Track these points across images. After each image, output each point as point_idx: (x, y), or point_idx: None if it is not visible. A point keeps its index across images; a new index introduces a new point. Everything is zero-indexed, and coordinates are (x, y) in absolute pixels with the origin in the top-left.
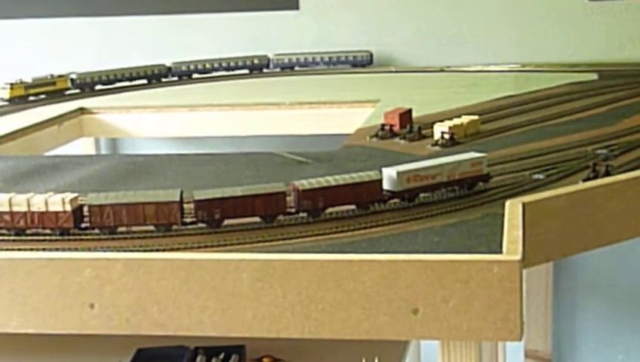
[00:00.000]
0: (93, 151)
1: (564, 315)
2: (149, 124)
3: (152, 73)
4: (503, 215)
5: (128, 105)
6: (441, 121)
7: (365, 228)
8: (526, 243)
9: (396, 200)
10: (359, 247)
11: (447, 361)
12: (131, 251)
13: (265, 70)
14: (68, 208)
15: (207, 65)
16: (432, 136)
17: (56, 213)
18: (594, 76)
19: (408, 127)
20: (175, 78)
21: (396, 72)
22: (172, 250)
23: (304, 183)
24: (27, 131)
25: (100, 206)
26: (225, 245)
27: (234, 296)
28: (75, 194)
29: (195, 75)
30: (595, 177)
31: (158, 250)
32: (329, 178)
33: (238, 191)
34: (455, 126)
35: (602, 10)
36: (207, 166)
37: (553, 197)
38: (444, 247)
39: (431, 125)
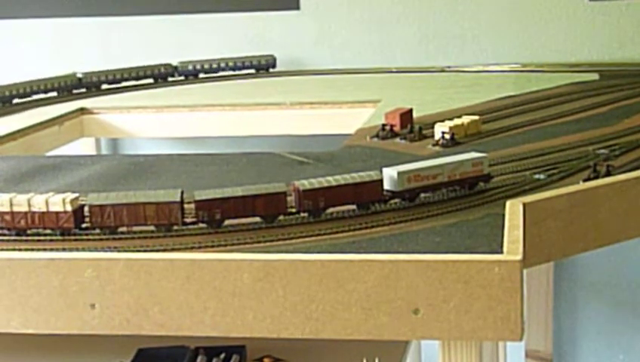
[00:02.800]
0: (93, 152)
1: (564, 315)
2: (149, 124)
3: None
4: (503, 215)
5: (129, 106)
6: (442, 121)
7: (366, 228)
8: (527, 243)
9: (397, 200)
10: (360, 247)
11: (448, 361)
12: (132, 251)
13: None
14: (69, 208)
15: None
16: (432, 136)
17: (57, 213)
18: (595, 76)
19: (409, 127)
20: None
21: (397, 71)
22: (173, 250)
23: (305, 183)
24: (28, 131)
25: (101, 206)
26: (225, 245)
27: (235, 296)
28: (76, 195)
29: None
30: (596, 177)
31: (158, 250)
32: (330, 178)
33: (238, 191)
34: (456, 126)
35: (603, 10)
36: (207, 166)
37: (554, 197)
38: (445, 247)
39: (432, 125)
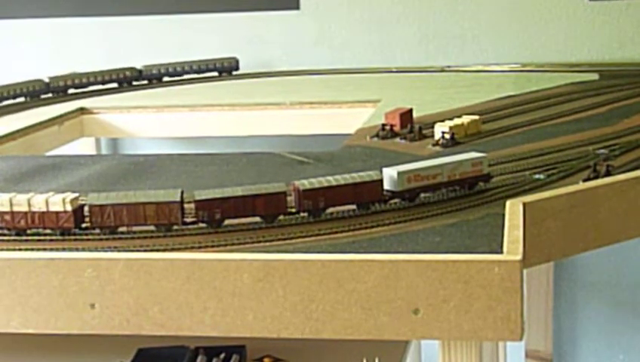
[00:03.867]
0: (93, 151)
1: (564, 315)
2: (149, 124)
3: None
4: (503, 215)
5: (129, 106)
6: (442, 120)
7: (366, 228)
8: (526, 243)
9: (397, 200)
10: (360, 247)
11: (448, 361)
12: (132, 251)
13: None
14: (68, 208)
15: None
16: (432, 136)
17: (57, 213)
18: (595, 76)
19: (409, 127)
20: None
21: (397, 71)
22: (173, 250)
23: (305, 183)
24: (27, 131)
25: (101, 206)
26: (225, 245)
27: (235, 296)
28: (76, 194)
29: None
30: (596, 177)
31: (158, 250)
32: (330, 178)
33: (238, 191)
34: (456, 126)
35: (603, 10)
36: (207, 166)
37: (554, 197)
38: (445, 247)
39: (431, 125)
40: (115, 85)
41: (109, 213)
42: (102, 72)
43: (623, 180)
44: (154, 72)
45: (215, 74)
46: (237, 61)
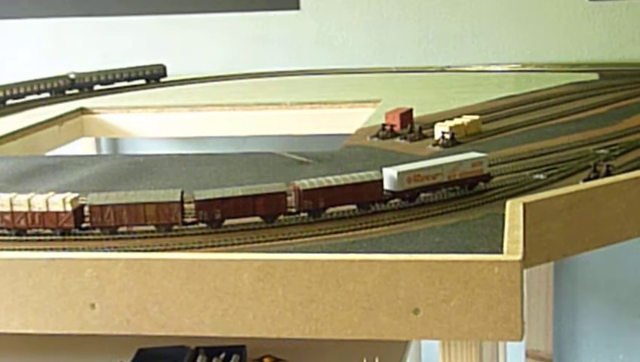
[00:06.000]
0: (93, 151)
1: (564, 315)
2: (149, 124)
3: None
4: (503, 215)
5: (129, 106)
6: (442, 120)
7: (366, 228)
8: (527, 243)
9: (397, 200)
10: (360, 247)
11: (448, 361)
12: (132, 251)
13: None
14: (69, 208)
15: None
16: (432, 136)
17: (57, 213)
18: (595, 76)
19: (409, 127)
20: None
21: (397, 71)
22: (173, 250)
23: (305, 183)
24: (28, 131)
25: (101, 206)
26: (226, 245)
27: (235, 296)
28: (76, 195)
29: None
30: (596, 177)
31: (158, 250)
32: (330, 178)
33: (238, 191)
34: (456, 126)
35: (603, 10)
36: (207, 166)
37: (554, 197)
38: (445, 247)
39: (432, 125)
40: (47, 95)
41: (109, 213)
42: (36, 81)
43: (623, 180)
44: (86, 80)
45: (143, 82)
46: (164, 68)
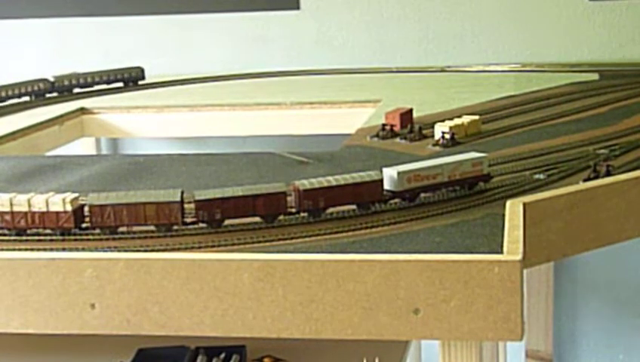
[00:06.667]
0: (94, 151)
1: (564, 315)
2: (149, 124)
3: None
4: (503, 215)
5: (129, 106)
6: (442, 120)
7: (366, 228)
8: (527, 243)
9: (397, 200)
10: (360, 247)
11: (448, 361)
12: (132, 251)
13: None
14: (69, 208)
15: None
16: (432, 136)
17: (57, 213)
18: (595, 76)
19: (409, 127)
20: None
21: (397, 71)
22: (173, 250)
23: (305, 183)
24: (28, 131)
25: (101, 206)
26: (226, 245)
27: (235, 296)
28: (76, 194)
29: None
30: (596, 177)
31: (158, 250)
32: (330, 178)
33: (238, 191)
34: (456, 126)
35: (603, 10)
36: (207, 166)
37: (554, 197)
38: (445, 247)
39: (432, 125)
40: (27, 98)
41: (109, 213)
42: (17, 85)
43: (623, 180)
44: (65, 83)
45: (121, 85)
46: (142, 70)
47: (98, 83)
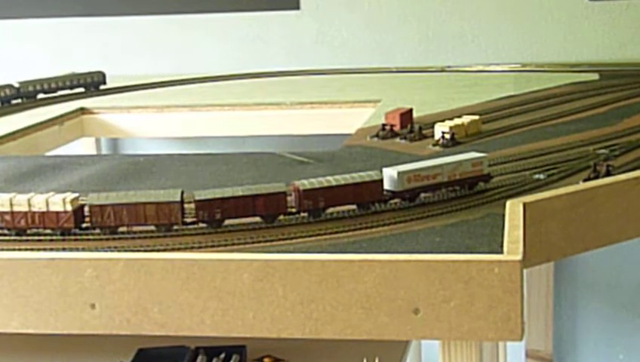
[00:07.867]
0: (94, 151)
1: (565, 315)
2: (149, 124)
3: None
4: (503, 215)
5: (129, 106)
6: (442, 120)
7: (366, 228)
8: (527, 243)
9: (397, 200)
10: (360, 247)
11: (448, 361)
12: (132, 251)
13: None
14: (69, 208)
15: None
16: (432, 136)
17: (57, 213)
18: (595, 76)
19: (409, 127)
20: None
21: (397, 71)
22: (173, 250)
23: (305, 183)
24: (28, 131)
25: (101, 206)
26: (226, 245)
27: (235, 296)
28: (76, 194)
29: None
30: (596, 177)
31: (159, 250)
32: (330, 178)
33: (238, 191)
34: (456, 126)
35: (603, 10)
36: (207, 166)
37: (554, 197)
38: (445, 247)
39: (432, 125)
40: None
41: (109, 213)
42: None
43: (623, 180)
44: (30, 89)
45: (82, 90)
46: (104, 75)
47: (62, 88)
